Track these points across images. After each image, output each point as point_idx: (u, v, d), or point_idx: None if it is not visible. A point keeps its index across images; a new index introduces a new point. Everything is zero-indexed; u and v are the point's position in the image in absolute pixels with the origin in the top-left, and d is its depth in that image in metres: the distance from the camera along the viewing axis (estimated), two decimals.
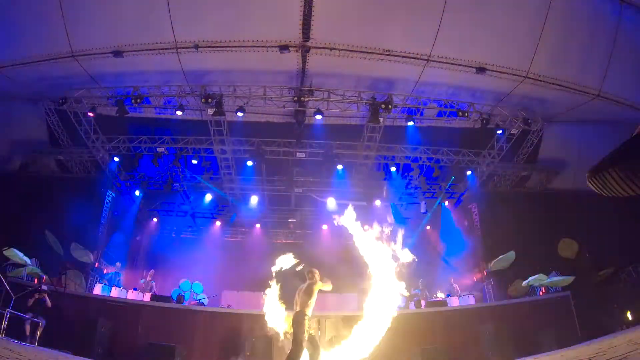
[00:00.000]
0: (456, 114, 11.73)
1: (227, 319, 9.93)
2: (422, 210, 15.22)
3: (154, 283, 12.36)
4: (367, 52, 9.72)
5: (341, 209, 7.12)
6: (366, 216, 16.08)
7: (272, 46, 9.56)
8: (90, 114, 11.62)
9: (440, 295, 12.33)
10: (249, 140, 12.98)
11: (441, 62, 9.92)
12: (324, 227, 16.00)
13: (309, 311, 5.74)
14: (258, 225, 16.26)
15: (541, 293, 10.86)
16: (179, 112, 11.50)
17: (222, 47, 9.62)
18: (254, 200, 15.01)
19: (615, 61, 9.61)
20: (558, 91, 10.41)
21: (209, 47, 9.58)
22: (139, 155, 13.60)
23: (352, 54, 9.74)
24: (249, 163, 13.70)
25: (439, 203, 15.22)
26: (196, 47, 9.49)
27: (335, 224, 6.65)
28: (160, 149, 13.19)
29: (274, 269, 6.47)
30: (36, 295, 8.28)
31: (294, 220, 16.23)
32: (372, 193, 14.97)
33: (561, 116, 11.77)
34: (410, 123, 11.91)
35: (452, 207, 15.18)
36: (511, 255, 11.86)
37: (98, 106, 11.70)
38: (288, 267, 6.55)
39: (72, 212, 11.64)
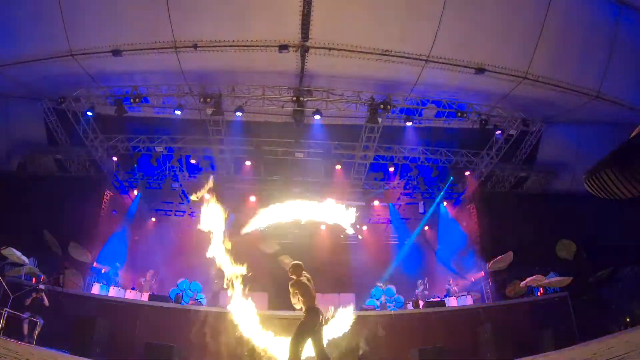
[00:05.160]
0: (455, 114, 11.75)
1: (225, 319, 9.91)
2: (421, 211, 15.23)
3: (153, 283, 12.34)
4: (366, 53, 9.72)
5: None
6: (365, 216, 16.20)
7: (271, 46, 9.55)
8: (89, 114, 11.62)
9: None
10: (248, 140, 12.96)
11: (440, 62, 9.91)
12: (322, 227, 15.98)
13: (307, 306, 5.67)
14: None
15: (539, 293, 10.88)
16: (177, 112, 11.50)
17: (221, 46, 9.61)
18: (252, 200, 14.99)
19: (614, 62, 9.62)
20: (557, 92, 10.40)
21: (207, 46, 9.57)
22: (138, 155, 13.58)
23: (351, 54, 9.73)
24: (248, 163, 13.68)
25: (438, 203, 15.23)
26: (195, 46, 9.49)
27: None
28: (158, 149, 13.17)
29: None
30: (34, 295, 8.28)
31: (293, 220, 16.18)
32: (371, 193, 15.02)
33: (560, 117, 11.77)
34: (409, 123, 11.92)
35: (451, 208, 15.18)
36: (509, 255, 11.88)
37: (97, 105, 11.68)
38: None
39: (71, 212, 11.61)
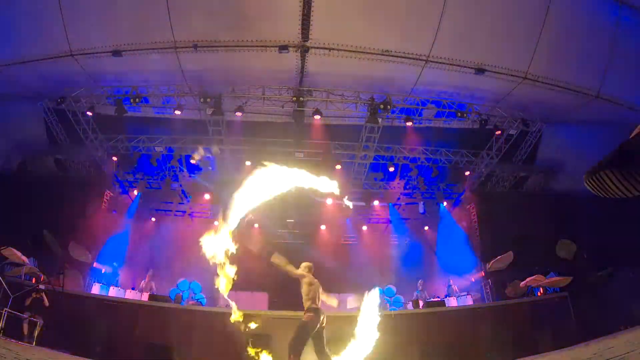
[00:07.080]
0: (455, 114, 11.75)
1: (225, 319, 9.90)
2: (421, 211, 15.23)
3: (153, 283, 12.34)
4: (366, 53, 9.72)
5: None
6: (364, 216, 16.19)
7: (271, 46, 9.55)
8: (89, 114, 11.63)
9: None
10: (248, 140, 12.96)
11: (440, 62, 9.91)
12: (323, 227, 15.99)
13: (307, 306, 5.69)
14: (256, 225, 16.22)
15: (539, 293, 10.86)
16: (177, 112, 11.49)
17: (221, 46, 9.62)
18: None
19: (614, 62, 9.61)
20: (557, 92, 10.40)
21: (207, 46, 9.57)
22: (138, 155, 13.59)
23: (351, 54, 9.73)
24: (248, 163, 13.68)
25: (438, 203, 15.23)
26: (195, 46, 9.49)
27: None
28: (158, 149, 13.17)
29: None
30: (34, 295, 8.27)
31: (293, 221, 16.20)
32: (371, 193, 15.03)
33: (560, 117, 11.76)
34: (409, 123, 11.90)
35: (451, 208, 15.19)
36: (509, 255, 11.87)
37: (97, 105, 11.68)
38: None
39: (71, 212, 11.60)
